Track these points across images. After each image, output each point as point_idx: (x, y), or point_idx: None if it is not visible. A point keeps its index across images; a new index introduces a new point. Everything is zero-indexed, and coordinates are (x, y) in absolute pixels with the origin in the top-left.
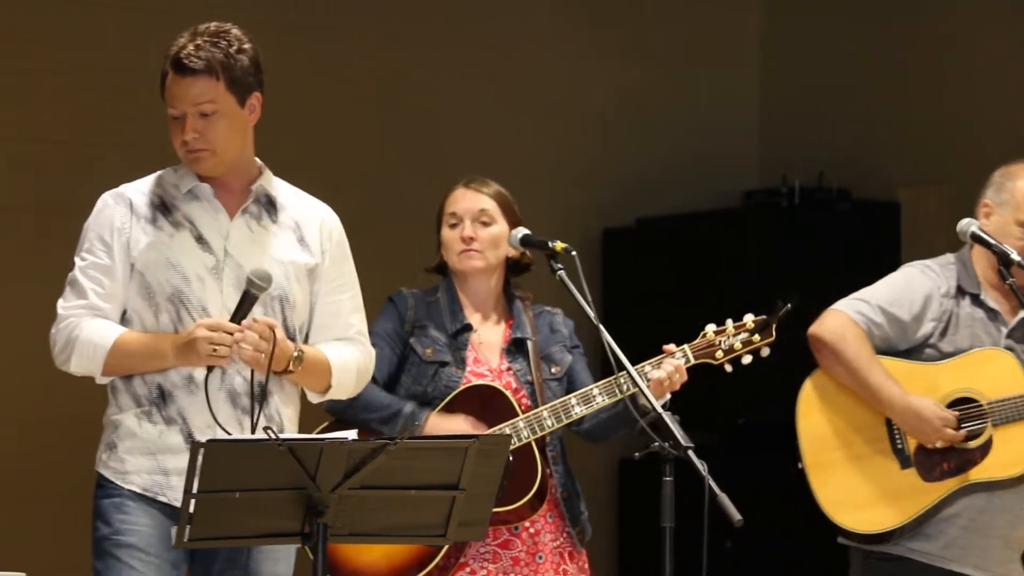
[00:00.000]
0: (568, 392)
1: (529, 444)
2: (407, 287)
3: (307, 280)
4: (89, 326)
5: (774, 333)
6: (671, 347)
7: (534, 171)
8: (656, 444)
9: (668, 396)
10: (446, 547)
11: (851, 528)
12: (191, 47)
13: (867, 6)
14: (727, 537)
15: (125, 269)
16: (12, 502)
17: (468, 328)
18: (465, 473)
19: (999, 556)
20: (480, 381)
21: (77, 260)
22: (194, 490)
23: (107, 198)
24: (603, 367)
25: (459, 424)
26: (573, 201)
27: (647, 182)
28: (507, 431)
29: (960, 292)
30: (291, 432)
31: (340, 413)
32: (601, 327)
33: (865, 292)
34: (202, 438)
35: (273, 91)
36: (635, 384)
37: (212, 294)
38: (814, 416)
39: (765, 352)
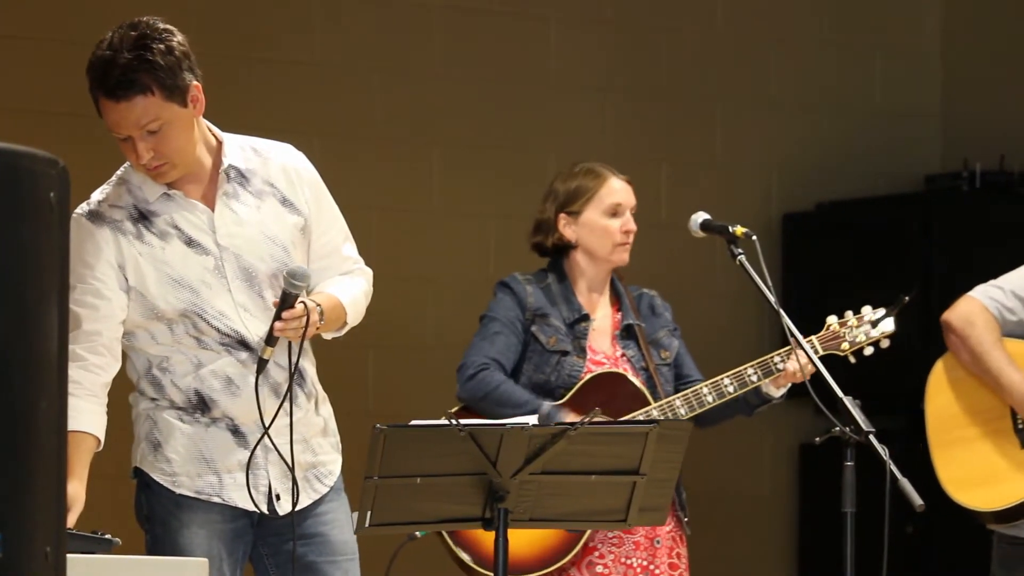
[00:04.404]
0: (676, 376)
1: None
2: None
3: (302, 238)
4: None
5: (893, 326)
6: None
7: (714, 157)
8: (837, 429)
9: (789, 385)
10: (587, 535)
11: (968, 506)
12: (117, 71)
13: None
14: (908, 522)
15: (121, 288)
16: None
17: (586, 317)
18: (646, 458)
19: None
20: (603, 369)
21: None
22: (375, 476)
23: (84, 221)
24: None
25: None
26: (753, 186)
27: (827, 166)
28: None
29: None
30: (315, 385)
31: (474, 405)
32: (782, 312)
33: (1001, 278)
34: (250, 435)
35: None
36: (818, 369)
37: (221, 295)
38: (941, 397)
39: (885, 344)
